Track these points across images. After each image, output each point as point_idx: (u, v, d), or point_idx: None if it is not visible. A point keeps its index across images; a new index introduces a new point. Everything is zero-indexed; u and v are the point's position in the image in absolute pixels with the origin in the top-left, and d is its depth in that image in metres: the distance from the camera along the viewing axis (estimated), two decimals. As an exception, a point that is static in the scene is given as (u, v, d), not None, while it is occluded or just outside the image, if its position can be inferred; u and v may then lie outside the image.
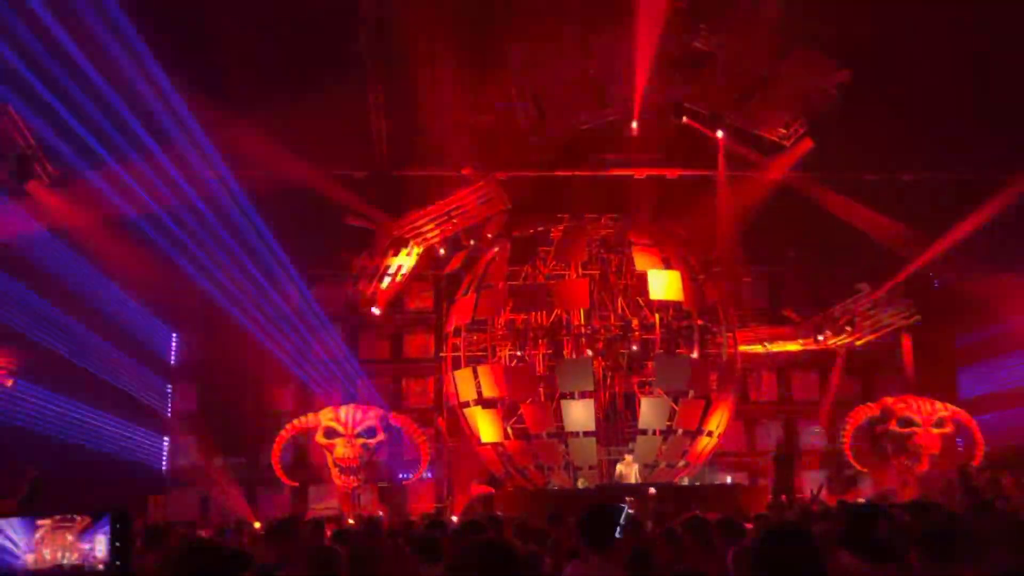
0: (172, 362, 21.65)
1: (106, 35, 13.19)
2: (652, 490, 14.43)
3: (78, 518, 3.65)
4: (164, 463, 20.88)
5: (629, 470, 16.70)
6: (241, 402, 21.39)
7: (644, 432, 17.31)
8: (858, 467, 19.76)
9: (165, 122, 15.16)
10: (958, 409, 19.16)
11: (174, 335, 21.73)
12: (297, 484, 19.81)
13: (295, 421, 18.62)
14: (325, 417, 18.27)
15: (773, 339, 21.00)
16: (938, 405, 18.99)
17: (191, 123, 15.49)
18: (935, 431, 18.63)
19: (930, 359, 22.19)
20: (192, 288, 20.62)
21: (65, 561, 3.61)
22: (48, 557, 3.61)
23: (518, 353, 18.63)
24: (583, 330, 18.63)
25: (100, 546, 3.62)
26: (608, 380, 18.64)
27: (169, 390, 21.46)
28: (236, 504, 19.33)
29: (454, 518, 16.55)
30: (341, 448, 17.92)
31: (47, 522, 3.65)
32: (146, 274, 17.81)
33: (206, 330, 20.95)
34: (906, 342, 22.81)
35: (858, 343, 20.58)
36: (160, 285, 18.55)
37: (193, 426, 20.95)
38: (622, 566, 4.27)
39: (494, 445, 18.02)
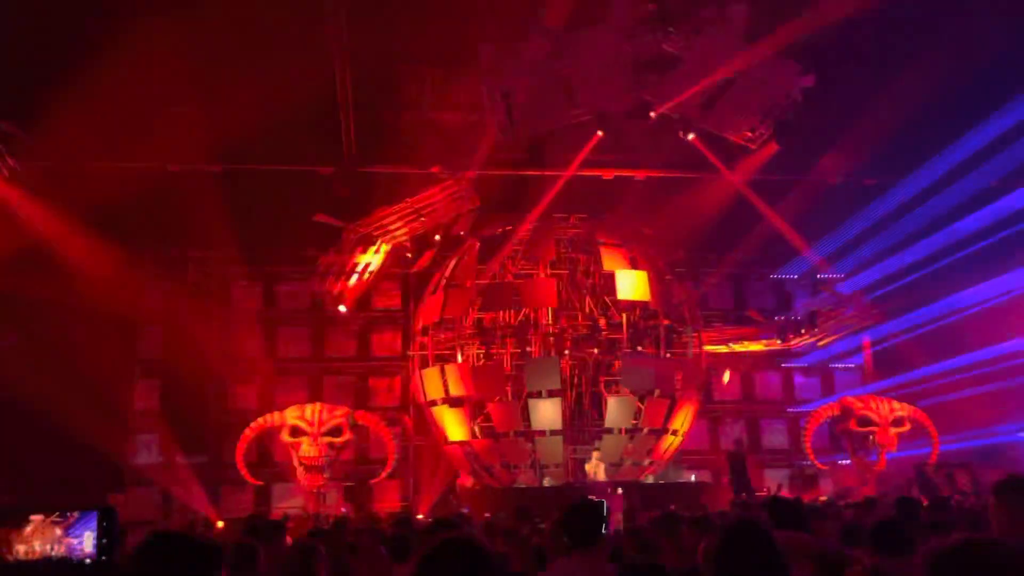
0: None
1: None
2: (619, 490, 14.55)
3: (69, 514, 3.88)
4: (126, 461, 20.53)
5: (596, 468, 16.82)
6: (204, 399, 21.14)
7: (610, 431, 17.45)
8: (818, 465, 20.10)
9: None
10: (916, 408, 19.58)
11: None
12: (261, 483, 19.62)
13: (260, 419, 18.44)
14: (291, 415, 18.12)
15: (737, 339, 21.28)
16: (896, 405, 19.38)
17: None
18: (893, 430, 19.02)
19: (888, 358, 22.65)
20: (154, 284, 20.45)
21: (53, 553, 3.86)
22: (38, 549, 3.88)
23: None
24: (551, 329, 18.71)
25: (87, 541, 3.75)
26: (575, 379, 18.75)
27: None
28: (198, 503, 19.09)
29: (420, 516, 16.56)
30: (307, 446, 17.79)
31: (39, 517, 3.91)
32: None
33: (169, 326, 20.73)
34: (866, 342, 23.29)
35: (820, 344, 20.95)
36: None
37: (155, 424, 20.67)
38: (606, 562, 4.30)
39: (461, 444, 18.04)
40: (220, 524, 16.34)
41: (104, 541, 3.85)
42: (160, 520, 17.25)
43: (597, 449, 17.34)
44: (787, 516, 4.78)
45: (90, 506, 3.94)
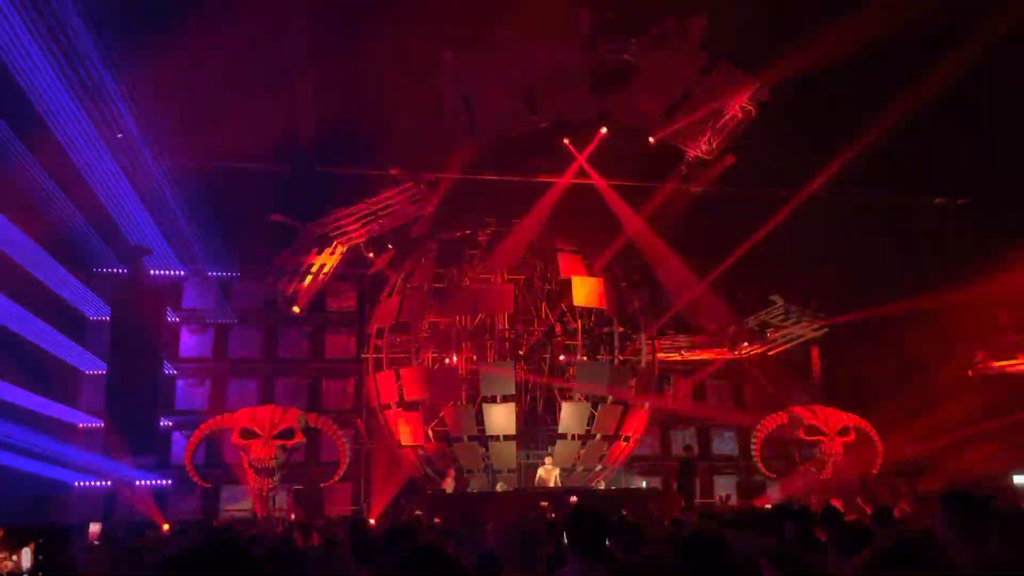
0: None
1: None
2: (573, 498, 14.61)
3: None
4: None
5: (549, 474, 16.88)
6: (152, 399, 20.71)
7: (564, 436, 17.53)
8: (767, 473, 20.42)
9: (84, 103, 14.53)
10: (860, 418, 20.00)
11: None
12: (209, 485, 19.27)
13: (210, 420, 18.12)
14: (242, 417, 17.83)
15: (690, 347, 21.56)
16: (842, 414, 19.77)
17: (121, 107, 14.89)
18: (839, 439, 19.41)
19: (837, 369, 23.18)
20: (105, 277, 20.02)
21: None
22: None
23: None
24: (507, 334, 18.76)
25: (25, 559, 3.69)
26: (530, 384, 18.82)
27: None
28: (145, 506, 18.69)
29: (372, 521, 16.44)
30: (258, 449, 17.51)
31: (-4, 535, 3.70)
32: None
33: (117, 323, 20.27)
34: (815, 353, 23.80)
35: (770, 353, 21.32)
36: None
37: (101, 425, 20.20)
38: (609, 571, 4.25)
39: (414, 448, 17.96)
40: (166, 527, 16.02)
41: (40, 558, 3.76)
42: (104, 522, 16.81)
43: (550, 455, 17.40)
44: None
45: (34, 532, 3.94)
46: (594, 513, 4.14)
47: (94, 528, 13.32)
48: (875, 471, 18.96)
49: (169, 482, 19.89)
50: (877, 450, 19.63)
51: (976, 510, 4.05)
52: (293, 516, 17.14)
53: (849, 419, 19.72)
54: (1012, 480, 20.10)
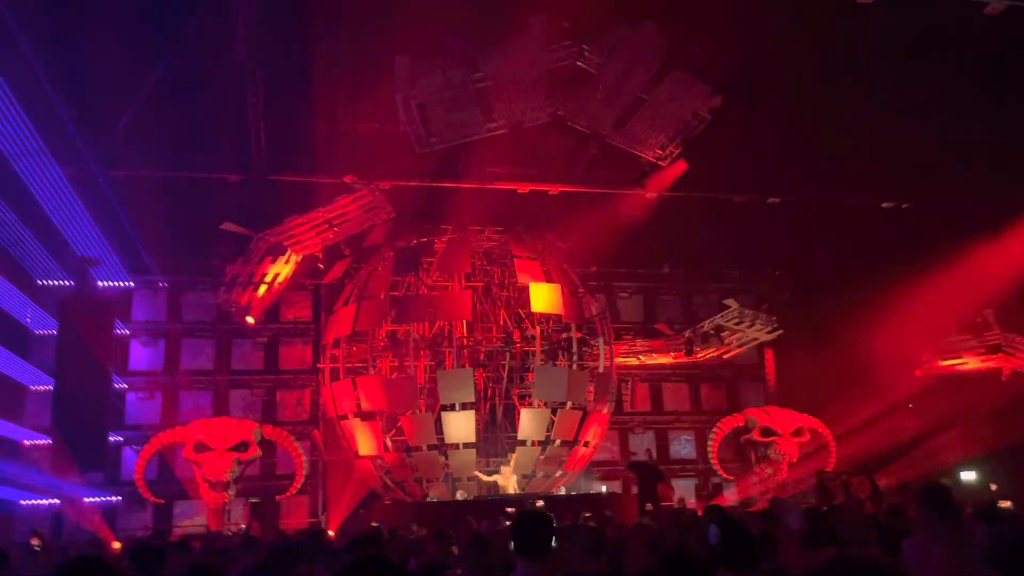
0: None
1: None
2: (540, 502, 14.60)
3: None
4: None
5: (507, 481, 16.85)
6: (101, 414, 20.18)
7: (523, 443, 17.52)
8: (724, 475, 20.67)
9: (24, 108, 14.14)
10: (814, 418, 20.38)
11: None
12: (162, 501, 18.83)
13: (161, 434, 17.73)
14: (195, 430, 17.48)
15: (647, 352, 21.74)
16: (796, 415, 20.14)
17: (60, 111, 14.50)
18: (793, 439, 19.75)
19: (789, 371, 23.57)
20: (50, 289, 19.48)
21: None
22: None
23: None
24: (465, 342, 18.70)
25: None
26: (489, 391, 18.78)
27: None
28: (93, 523, 18.18)
29: (331, 533, 16.22)
30: (212, 462, 17.18)
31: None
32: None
33: (64, 335, 19.72)
34: (768, 355, 24.18)
35: (725, 356, 21.60)
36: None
37: (47, 440, 19.60)
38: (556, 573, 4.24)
39: (372, 458, 17.78)
40: (116, 545, 15.59)
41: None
42: (47, 540, 16.29)
43: (506, 464, 17.35)
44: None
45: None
46: (539, 515, 4.15)
47: (34, 541, 12.94)
48: (829, 469, 19.33)
49: (119, 498, 19.39)
50: (830, 449, 20.02)
51: (952, 503, 4.23)
52: (248, 529, 16.82)
53: (803, 420, 20.10)
54: (959, 476, 20.62)
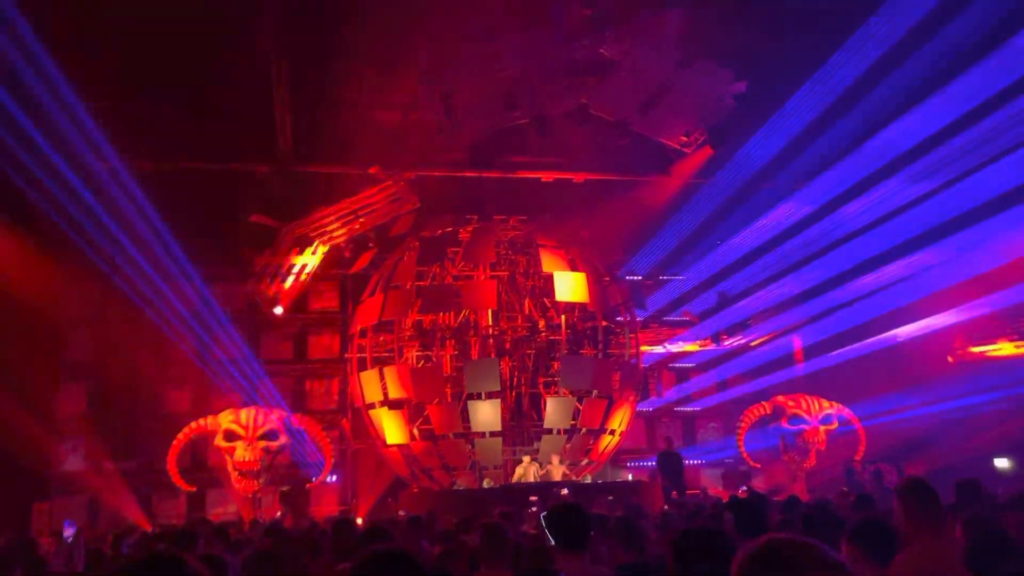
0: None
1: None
2: (565, 491, 14.64)
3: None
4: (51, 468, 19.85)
5: (527, 471, 16.89)
6: (134, 403, 20.58)
7: (549, 431, 17.56)
8: (751, 463, 20.55)
9: (50, 109, 14.39)
10: (843, 406, 20.19)
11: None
12: (195, 489, 19.16)
13: (193, 423, 18.01)
14: (225, 419, 17.73)
15: (673, 340, 21.65)
16: (824, 403, 19.94)
17: (80, 112, 14.75)
18: (822, 428, 19.57)
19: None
20: (82, 284, 19.82)
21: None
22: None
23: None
24: (490, 331, 18.76)
25: None
26: (515, 380, 18.83)
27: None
28: (129, 510, 18.57)
29: (359, 521, 16.41)
30: (241, 451, 17.42)
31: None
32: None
33: (97, 327, 20.13)
34: (796, 342, 23.96)
35: (753, 344, 21.45)
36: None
37: (82, 428, 20.02)
38: (591, 564, 4.26)
39: (400, 447, 17.93)
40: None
41: None
42: (86, 528, 16.67)
43: (527, 453, 17.38)
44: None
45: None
46: (574, 507, 4.14)
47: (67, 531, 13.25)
48: (858, 458, 19.14)
49: (154, 487, 19.77)
50: (860, 437, 19.82)
51: (931, 500, 4.20)
52: (282, 517, 17.07)
53: (831, 407, 19.90)
54: (993, 463, 20.34)
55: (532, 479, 16.55)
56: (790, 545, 1.90)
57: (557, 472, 16.78)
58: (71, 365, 20.75)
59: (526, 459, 17.07)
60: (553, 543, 4.14)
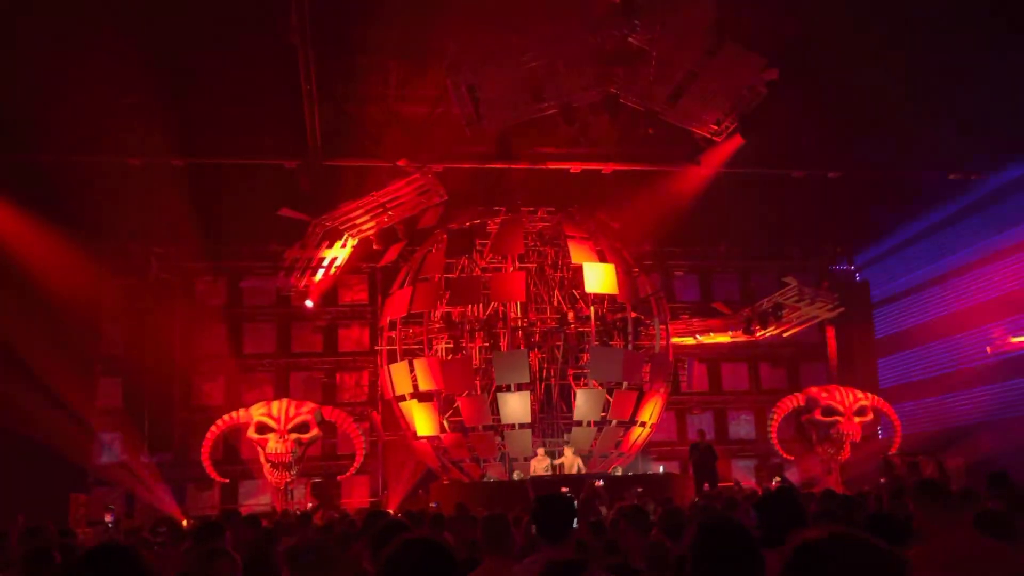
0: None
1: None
2: (599, 482, 14.58)
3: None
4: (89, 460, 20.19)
5: (540, 464, 16.84)
6: (168, 397, 20.86)
7: (579, 423, 17.50)
8: (784, 455, 20.33)
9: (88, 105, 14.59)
10: (878, 398, 19.89)
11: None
12: (227, 480, 19.39)
13: (226, 416, 18.22)
14: (257, 412, 17.91)
15: (704, 331, 21.44)
16: (859, 394, 19.66)
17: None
18: (856, 419, 19.30)
19: (852, 349, 23.04)
20: (118, 279, 20.13)
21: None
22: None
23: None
24: (519, 323, 18.72)
25: None
26: (544, 372, 18.78)
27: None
28: (163, 502, 18.85)
29: (391, 511, 16.47)
30: (273, 443, 17.59)
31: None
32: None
33: (131, 322, 20.44)
34: (830, 333, 23.63)
35: (785, 334, 21.17)
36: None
37: (118, 422, 20.34)
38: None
39: (430, 439, 17.98)
40: (185, 523, 16.13)
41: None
42: (123, 519, 16.94)
43: (542, 446, 17.29)
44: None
45: None
46: (560, 498, 4.15)
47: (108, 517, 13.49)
48: (894, 450, 18.86)
49: (188, 478, 20.05)
50: (896, 429, 19.52)
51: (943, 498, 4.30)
52: (315, 509, 17.20)
53: (866, 398, 19.62)
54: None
55: (543, 472, 16.50)
56: (847, 540, 1.77)
57: (572, 465, 16.73)
58: (107, 359, 21.07)
59: (540, 451, 17.05)
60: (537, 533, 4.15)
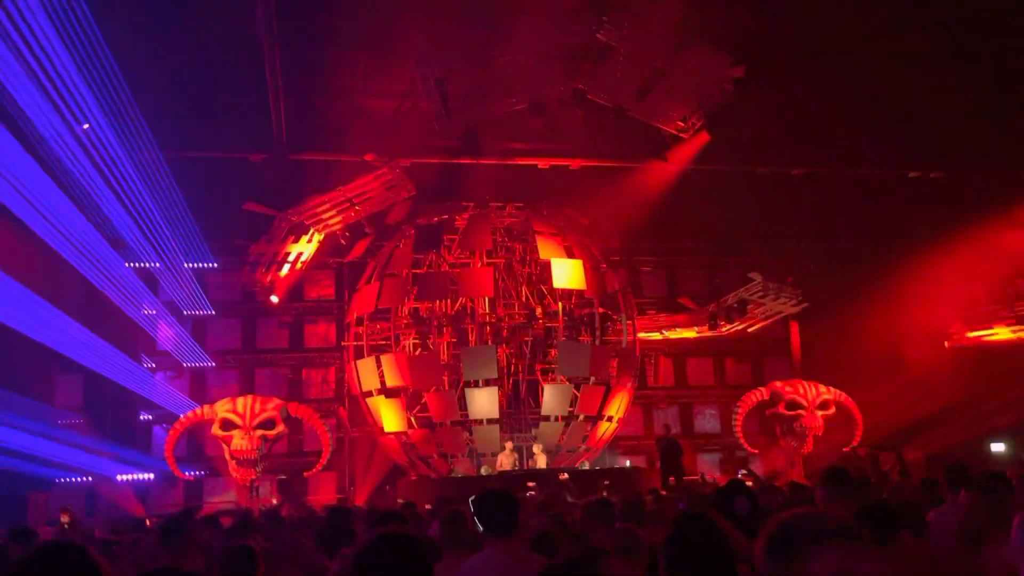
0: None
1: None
2: (565, 475, 14.65)
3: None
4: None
5: (508, 459, 16.89)
6: (131, 392, 20.51)
7: (547, 418, 17.56)
8: (749, 448, 20.58)
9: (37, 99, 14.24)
10: (840, 392, 20.20)
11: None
12: (192, 478, 19.15)
13: (190, 412, 17.98)
14: (222, 408, 17.70)
15: (670, 327, 21.63)
16: (822, 389, 19.96)
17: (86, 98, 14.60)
18: (819, 413, 19.60)
19: (815, 344, 23.38)
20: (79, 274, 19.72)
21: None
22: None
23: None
24: (487, 318, 18.72)
25: None
26: (512, 367, 18.81)
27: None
28: (126, 500, 18.55)
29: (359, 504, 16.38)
30: (238, 440, 17.38)
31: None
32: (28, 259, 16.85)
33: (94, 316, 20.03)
34: (794, 328, 23.96)
35: (750, 330, 21.44)
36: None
37: (79, 419, 19.96)
38: (527, 549, 4.29)
39: (397, 434, 17.92)
40: (148, 522, 15.90)
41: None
42: (82, 518, 16.64)
43: (510, 440, 17.35)
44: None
45: None
46: (499, 492, 4.16)
47: (64, 518, 13.25)
48: (855, 444, 19.18)
49: (151, 476, 19.73)
50: (857, 423, 19.85)
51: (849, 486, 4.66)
52: (279, 506, 17.05)
53: (829, 392, 19.92)
54: (988, 447, 20.42)
55: (509, 467, 16.56)
56: (808, 517, 1.91)
57: (541, 460, 16.81)
58: (66, 356, 20.63)
59: (508, 445, 17.09)
60: (481, 528, 4.16)
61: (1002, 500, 4.90)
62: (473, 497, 4.19)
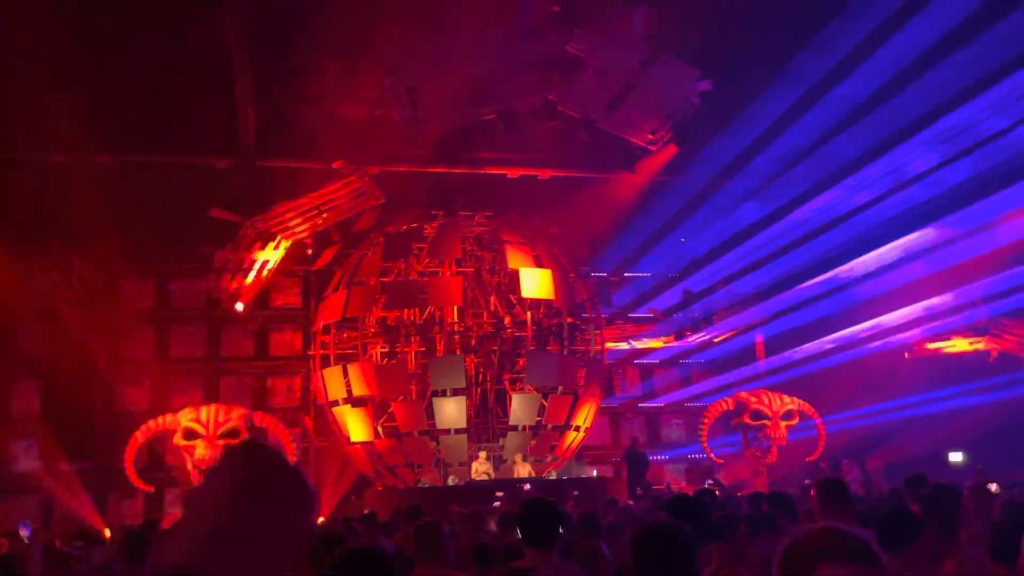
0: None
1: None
2: (527, 486, 14.63)
3: None
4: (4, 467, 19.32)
5: (483, 467, 16.85)
6: (90, 402, 20.10)
7: (515, 428, 17.54)
8: (714, 458, 20.73)
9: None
10: (804, 402, 20.45)
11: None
12: (152, 489, 18.77)
13: (151, 422, 17.65)
14: (185, 418, 17.41)
15: (638, 336, 21.77)
16: (786, 399, 20.19)
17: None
18: (783, 423, 19.81)
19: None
20: (35, 279, 19.34)
21: None
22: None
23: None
24: (456, 327, 18.67)
25: None
26: (480, 377, 18.77)
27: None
28: (84, 511, 18.14)
29: (320, 519, 16.21)
30: (201, 450, 17.12)
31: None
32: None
33: (51, 324, 19.62)
34: (759, 339, 24.24)
35: (716, 341, 21.65)
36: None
37: (35, 427, 19.51)
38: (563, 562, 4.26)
39: (364, 444, 17.78)
40: (107, 533, 15.57)
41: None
42: (40, 529, 16.24)
43: (483, 450, 17.31)
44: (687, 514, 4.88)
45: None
46: (546, 503, 4.16)
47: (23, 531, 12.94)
48: (816, 455, 19.41)
49: (110, 486, 19.34)
50: (819, 433, 20.11)
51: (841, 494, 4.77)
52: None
53: (793, 403, 20.16)
54: (948, 457, 20.78)
55: (484, 477, 16.51)
56: (816, 535, 1.93)
57: (523, 469, 16.79)
58: (24, 363, 20.19)
59: (482, 455, 17.04)
60: (521, 539, 4.14)
61: (951, 512, 5.02)
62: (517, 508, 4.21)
